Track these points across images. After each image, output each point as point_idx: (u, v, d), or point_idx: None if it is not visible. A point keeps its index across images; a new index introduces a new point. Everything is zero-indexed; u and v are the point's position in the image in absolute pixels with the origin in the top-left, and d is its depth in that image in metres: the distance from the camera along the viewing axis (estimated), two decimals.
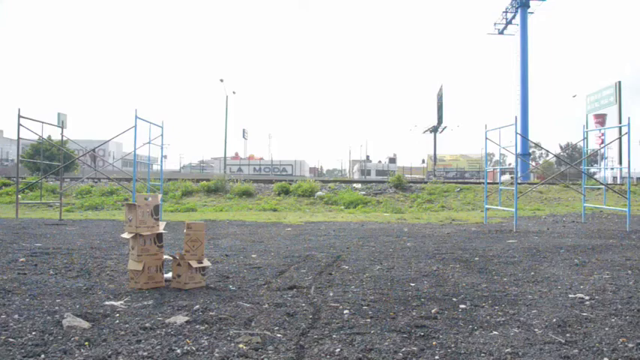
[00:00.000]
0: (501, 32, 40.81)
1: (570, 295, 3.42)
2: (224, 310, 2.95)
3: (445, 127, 42.62)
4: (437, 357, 2.22)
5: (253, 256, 5.21)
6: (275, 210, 13.16)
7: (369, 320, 2.79)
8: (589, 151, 12.50)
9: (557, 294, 3.47)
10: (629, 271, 4.32)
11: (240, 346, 2.32)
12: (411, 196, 15.34)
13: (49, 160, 20.14)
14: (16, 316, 2.71)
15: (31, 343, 2.29)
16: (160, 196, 3.92)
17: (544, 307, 3.10)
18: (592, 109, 38.45)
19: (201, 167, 57.36)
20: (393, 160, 53.24)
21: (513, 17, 38.82)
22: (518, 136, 9.07)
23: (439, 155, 47.96)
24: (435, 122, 41.93)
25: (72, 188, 15.18)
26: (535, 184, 18.62)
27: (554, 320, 2.79)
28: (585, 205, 10.35)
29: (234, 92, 60.89)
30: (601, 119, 40.69)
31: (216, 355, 2.20)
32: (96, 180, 16.80)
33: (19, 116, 9.26)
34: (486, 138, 9.56)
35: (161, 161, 12.80)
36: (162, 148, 11.08)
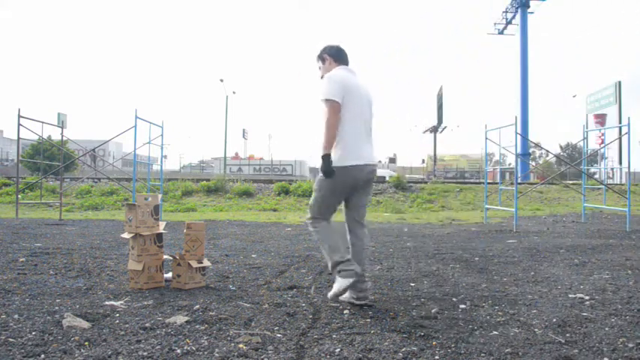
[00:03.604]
0: (501, 32, 40.76)
1: (570, 295, 3.42)
2: (224, 310, 2.96)
3: (445, 127, 42.55)
4: (437, 357, 2.22)
5: (253, 256, 5.22)
6: (275, 210, 13.16)
7: (369, 320, 2.79)
8: (589, 151, 12.49)
9: (557, 294, 3.47)
10: (629, 271, 4.32)
11: (240, 346, 2.32)
12: (411, 196, 15.34)
13: (49, 160, 20.15)
14: (16, 316, 2.71)
15: (31, 343, 2.29)
16: (160, 196, 3.92)
17: (544, 307, 3.10)
18: (592, 109, 38.42)
19: (201, 167, 57.37)
20: (393, 160, 53.15)
21: (513, 17, 38.77)
22: (518, 136, 9.06)
23: (439, 155, 47.92)
24: (435, 122, 41.89)
25: (72, 188, 15.17)
26: (535, 184, 18.62)
27: (554, 320, 2.79)
28: (585, 205, 10.35)
29: (234, 92, 60.89)
30: (601, 119, 40.64)
31: (216, 355, 2.20)
32: (96, 180, 16.80)
33: (19, 116, 9.26)
34: (486, 138, 9.55)
35: (161, 161, 12.82)
36: (162, 148, 11.08)
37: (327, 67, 3.26)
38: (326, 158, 2.92)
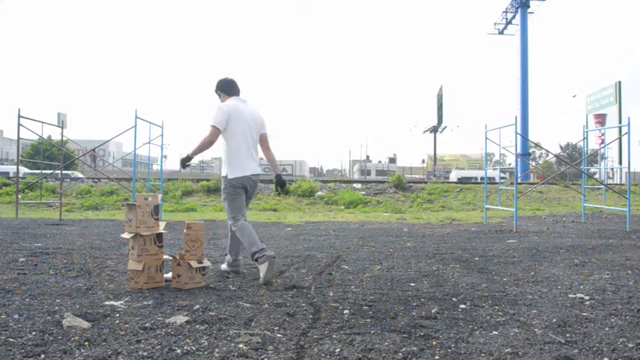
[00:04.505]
0: (501, 32, 40.80)
1: (570, 295, 3.42)
2: (224, 310, 2.96)
3: (445, 127, 42.64)
4: (437, 357, 2.22)
5: None
6: (275, 210, 13.16)
7: (369, 320, 2.79)
8: (589, 151, 12.48)
9: (557, 294, 3.47)
10: (629, 271, 4.32)
11: (240, 346, 2.32)
12: (411, 196, 15.34)
13: (49, 160, 20.15)
14: (16, 316, 2.71)
15: (31, 343, 2.29)
16: (159, 196, 3.92)
17: (544, 307, 3.10)
18: (592, 109, 38.44)
19: (201, 167, 57.36)
20: (393, 160, 53.13)
21: (513, 17, 38.80)
22: (518, 136, 9.06)
23: (439, 155, 47.96)
24: (435, 122, 41.93)
25: (72, 188, 15.17)
26: (535, 184, 18.62)
27: (554, 320, 2.79)
28: (585, 205, 10.35)
29: None
30: (601, 119, 40.63)
31: (216, 355, 2.20)
32: (96, 180, 16.79)
33: (19, 116, 9.26)
34: (486, 138, 9.55)
35: (161, 161, 12.79)
36: (162, 148, 11.08)
37: (222, 99, 4.06)
38: (186, 158, 3.91)
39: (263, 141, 4.09)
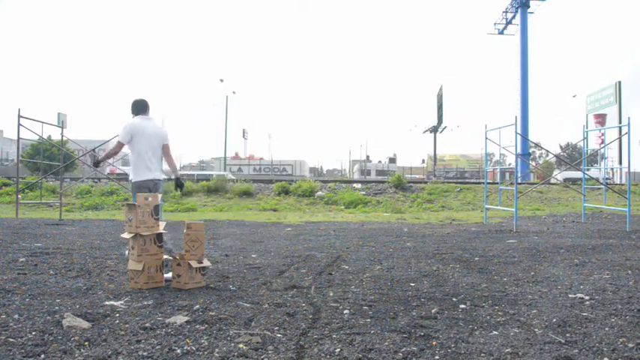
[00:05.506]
0: (501, 32, 40.77)
1: (570, 295, 3.42)
2: (224, 310, 2.96)
3: (445, 127, 42.61)
4: (437, 357, 2.22)
5: (253, 256, 5.22)
6: (275, 210, 13.16)
7: (369, 320, 2.79)
8: (589, 151, 12.48)
9: (557, 294, 3.47)
10: (629, 271, 4.32)
11: (240, 346, 2.32)
12: (411, 196, 15.34)
13: (49, 160, 20.14)
14: (16, 316, 2.71)
15: (31, 343, 2.29)
16: (159, 196, 3.92)
17: (544, 307, 3.10)
18: (592, 109, 38.44)
19: (201, 167, 57.35)
20: (393, 160, 53.07)
21: (513, 17, 38.78)
22: (518, 136, 9.06)
23: (439, 155, 47.93)
24: (435, 122, 41.92)
25: (72, 188, 15.17)
26: (535, 184, 18.63)
27: (554, 320, 2.79)
28: (585, 205, 10.35)
29: (234, 92, 60.68)
30: (601, 119, 40.60)
31: (216, 355, 2.20)
32: (96, 180, 16.79)
33: (19, 116, 9.25)
34: (486, 138, 9.55)
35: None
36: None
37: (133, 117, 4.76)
38: (96, 162, 5.02)
39: (165, 150, 4.78)
